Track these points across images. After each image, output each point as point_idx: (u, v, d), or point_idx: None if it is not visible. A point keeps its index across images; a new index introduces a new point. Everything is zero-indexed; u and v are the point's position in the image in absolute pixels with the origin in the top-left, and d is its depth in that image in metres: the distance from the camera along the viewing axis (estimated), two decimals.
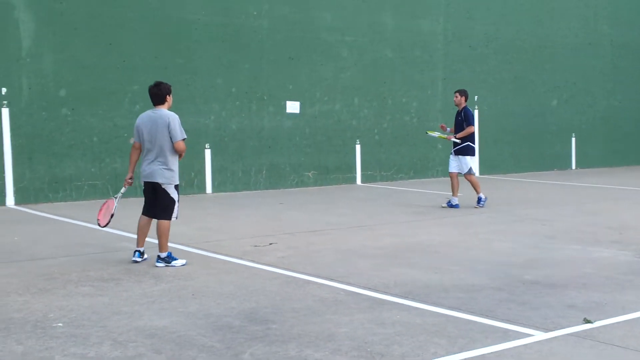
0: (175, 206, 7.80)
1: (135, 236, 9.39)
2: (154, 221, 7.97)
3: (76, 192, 12.80)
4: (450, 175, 12.44)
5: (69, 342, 5.19)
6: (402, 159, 16.89)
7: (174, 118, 7.68)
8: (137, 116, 13.13)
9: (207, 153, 14.11)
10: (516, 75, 18.95)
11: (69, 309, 6.05)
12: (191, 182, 13.91)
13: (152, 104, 7.88)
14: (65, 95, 12.71)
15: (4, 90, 12.08)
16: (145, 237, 7.96)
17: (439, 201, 13.33)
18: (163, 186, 7.73)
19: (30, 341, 5.22)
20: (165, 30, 13.66)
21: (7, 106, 12.15)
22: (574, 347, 5.28)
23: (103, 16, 13.02)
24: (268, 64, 14.89)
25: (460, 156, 12.36)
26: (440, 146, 17.67)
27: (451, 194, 12.48)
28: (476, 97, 18.15)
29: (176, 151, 7.71)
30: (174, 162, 7.75)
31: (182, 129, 7.77)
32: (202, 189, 13.99)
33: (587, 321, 5.81)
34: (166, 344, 5.18)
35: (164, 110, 7.76)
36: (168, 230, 7.76)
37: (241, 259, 8.12)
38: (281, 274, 7.43)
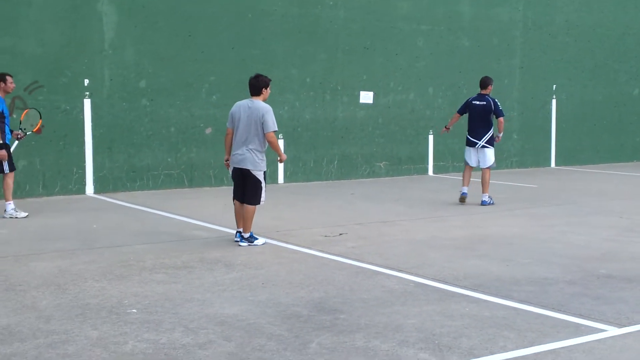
0: (263, 192, 8.29)
1: (209, 225, 9.59)
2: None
3: (153, 181, 13.12)
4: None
5: (142, 328, 5.34)
6: None
7: (268, 110, 8.15)
8: (214, 107, 13.55)
9: (280, 143, 14.22)
10: (597, 64, 18.41)
11: (143, 295, 6.23)
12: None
13: (249, 94, 8.40)
14: (145, 87, 13.02)
15: (86, 81, 12.46)
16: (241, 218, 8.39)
17: (513, 193, 13.12)
18: (252, 172, 8.19)
19: (106, 326, 5.40)
20: (242, 22, 13.82)
21: (90, 97, 12.53)
22: None
23: (182, 9, 13.27)
24: (343, 54, 14.90)
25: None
26: (515, 136, 17.36)
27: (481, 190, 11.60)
28: (554, 86, 17.74)
29: (267, 141, 8.17)
30: (263, 151, 8.23)
31: (275, 121, 8.21)
32: (274, 178, 14.12)
33: None
34: (236, 332, 5.28)
35: (260, 102, 8.25)
36: (254, 213, 8.27)
37: (311, 248, 8.18)
38: (351, 264, 7.46)
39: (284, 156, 8.60)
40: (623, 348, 5.04)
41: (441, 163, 16.11)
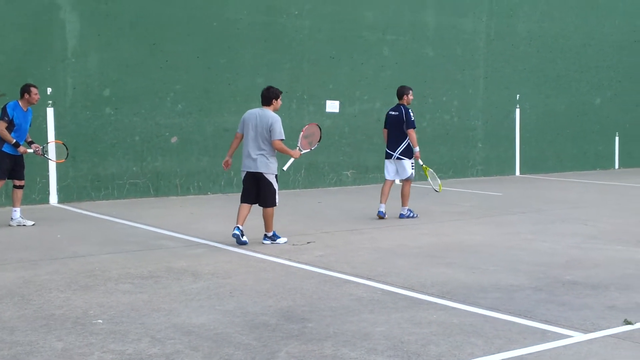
0: (277, 193, 8.83)
1: (175, 234, 9.54)
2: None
3: (118, 190, 12.98)
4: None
5: (108, 339, 5.27)
6: (441, 159, 16.78)
7: (276, 119, 8.73)
8: (179, 115, 13.46)
9: None
10: (559, 74, 18.69)
11: (109, 305, 6.14)
12: (230, 181, 14.00)
13: (261, 104, 8.93)
14: (109, 95, 12.90)
15: (49, 90, 12.31)
16: (245, 219, 8.82)
17: (478, 201, 13.23)
18: (265, 175, 8.73)
19: (71, 337, 5.31)
20: (208, 30, 13.77)
21: (52, 106, 12.37)
22: (614, 349, 5.20)
23: (147, 17, 13.18)
24: (309, 63, 14.93)
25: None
26: (480, 145, 17.53)
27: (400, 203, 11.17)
28: (518, 95, 17.95)
29: (275, 148, 8.73)
30: (274, 156, 8.79)
31: (282, 131, 8.77)
32: (240, 187, 14.01)
33: (628, 322, 5.72)
34: (203, 342, 5.23)
35: (270, 111, 8.83)
36: (273, 214, 8.85)
37: (279, 257, 8.15)
38: (319, 272, 7.44)
39: (298, 153, 9.14)
40: (589, 354, 5.09)
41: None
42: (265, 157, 8.70)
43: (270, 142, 8.69)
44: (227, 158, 9.10)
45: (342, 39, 15.30)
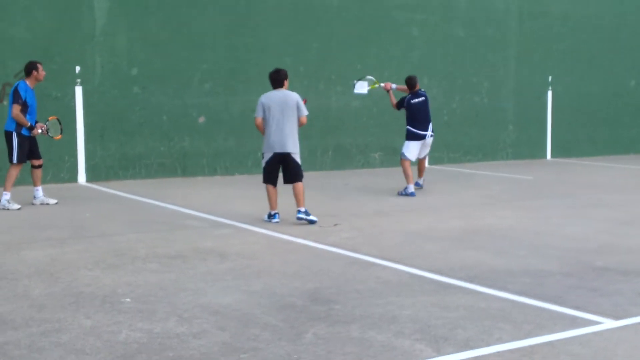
0: (301, 168, 9.07)
1: (202, 214, 9.56)
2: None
3: (145, 170, 13.03)
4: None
5: (136, 317, 5.28)
6: (470, 141, 16.60)
7: (299, 97, 9.02)
8: (206, 95, 13.43)
9: None
10: (593, 55, 18.37)
11: (137, 284, 6.16)
12: (258, 162, 13.97)
13: (271, 87, 9.09)
14: (136, 74, 12.92)
15: (77, 68, 12.35)
16: (276, 201, 9.07)
17: (508, 185, 13.09)
18: (292, 155, 8.94)
19: (99, 315, 5.33)
20: (235, 10, 13.71)
21: (81, 84, 12.42)
22: None
23: None
24: (337, 43, 14.80)
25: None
26: (511, 127, 17.31)
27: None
28: (550, 77, 17.69)
29: (300, 124, 9.01)
30: (298, 133, 9.04)
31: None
32: None
33: None
34: (230, 321, 5.22)
35: (289, 91, 9.03)
36: (304, 189, 9.01)
37: (306, 239, 8.12)
38: (345, 255, 7.40)
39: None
40: (620, 340, 5.00)
41: (436, 154, 16.02)
42: (293, 137, 8.90)
43: (296, 120, 8.92)
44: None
45: (370, 19, 15.15)
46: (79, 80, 12.38)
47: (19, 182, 11.70)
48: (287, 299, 5.81)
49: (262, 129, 9.01)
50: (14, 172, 9.98)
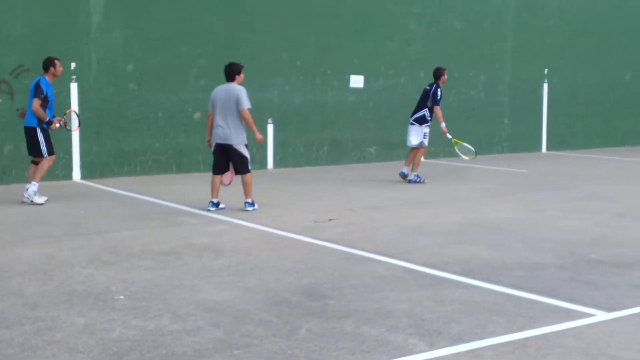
0: (249, 162, 9.39)
1: (197, 211, 9.55)
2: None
3: (140, 166, 13.01)
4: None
5: (130, 315, 5.28)
6: (466, 134, 16.54)
7: (242, 90, 9.26)
8: (202, 91, 13.42)
9: (269, 128, 14.13)
10: (589, 48, 18.36)
11: (131, 281, 6.16)
12: (252, 158, 13.94)
13: (225, 81, 9.40)
14: (132, 70, 12.90)
15: (73, 65, 12.32)
16: (218, 190, 9.48)
17: (504, 178, 13.10)
18: (235, 146, 9.24)
19: (92, 313, 5.33)
20: (232, 4, 13.68)
21: (76, 81, 12.39)
22: (637, 328, 5.13)
23: None
24: (334, 38, 14.78)
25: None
26: (507, 121, 17.32)
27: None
28: (546, 70, 17.68)
29: (244, 118, 9.21)
30: (242, 126, 9.29)
31: (249, 100, 9.30)
32: (263, 164, 14.04)
33: None
34: (224, 318, 5.22)
35: (234, 85, 9.33)
36: (251, 181, 9.40)
37: (301, 234, 8.12)
38: (340, 250, 7.41)
39: (260, 136, 9.51)
40: (613, 332, 5.02)
41: (432, 148, 16.00)
42: (233, 129, 9.20)
43: (238, 114, 9.17)
44: (207, 137, 9.53)
45: (367, 13, 15.13)
46: (74, 76, 12.36)
47: (15, 178, 11.73)
48: (281, 294, 5.82)
49: (208, 124, 9.46)
50: (46, 165, 10.06)
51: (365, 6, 15.11)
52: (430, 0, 15.94)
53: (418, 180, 12.10)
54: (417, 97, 16.07)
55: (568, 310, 5.48)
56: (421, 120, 12.16)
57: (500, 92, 17.11)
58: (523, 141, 17.59)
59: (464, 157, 12.50)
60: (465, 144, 12.47)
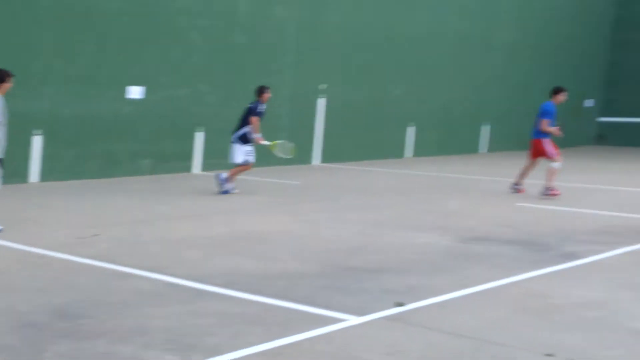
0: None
1: None
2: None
3: None
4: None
5: None
6: None
7: None
8: None
9: (36, 140, 13.35)
10: (365, 64, 19.24)
11: None
12: (15, 171, 13.09)
13: None
14: None
15: None
16: None
17: (275, 190, 13.39)
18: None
19: None
20: (5, 9, 12.76)
21: None
22: (385, 330, 5.43)
23: None
24: (112, 47, 14.25)
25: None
26: (283, 133, 17.73)
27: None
28: (325, 85, 18.32)
29: None
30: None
31: (3, 112, 8.61)
32: (23, 177, 13.13)
33: (399, 304, 5.97)
34: None
35: None
36: None
37: (59, 251, 7.71)
38: (101, 266, 7.15)
39: None
40: (361, 336, 5.27)
41: (211, 160, 15.99)
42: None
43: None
44: None
45: (150, 23, 14.79)
46: None
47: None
48: (28, 316, 5.49)
49: None
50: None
51: (149, 16, 14.77)
52: (216, 14, 15.95)
53: (230, 190, 12.22)
54: (197, 109, 16.12)
55: (323, 317, 5.67)
56: (244, 139, 12.35)
57: (279, 105, 17.45)
58: (297, 153, 18.02)
59: (288, 156, 13.11)
60: (279, 141, 12.99)
